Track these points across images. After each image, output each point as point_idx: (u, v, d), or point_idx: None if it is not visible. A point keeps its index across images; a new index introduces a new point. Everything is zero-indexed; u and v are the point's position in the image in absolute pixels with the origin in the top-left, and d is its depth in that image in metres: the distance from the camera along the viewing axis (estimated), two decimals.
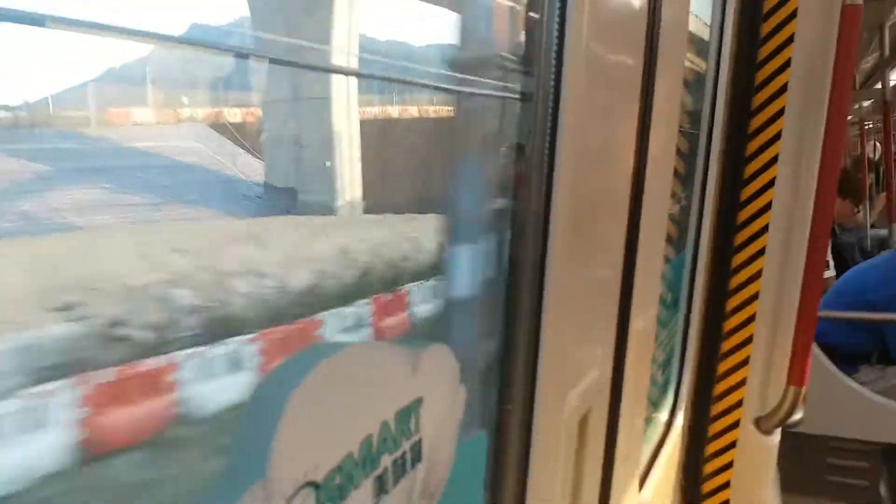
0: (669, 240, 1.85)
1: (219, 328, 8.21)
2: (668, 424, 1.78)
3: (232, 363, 7.18)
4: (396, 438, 0.54)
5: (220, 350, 7.36)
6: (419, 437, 0.57)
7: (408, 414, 0.55)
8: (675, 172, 1.78)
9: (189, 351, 7.22)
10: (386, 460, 0.53)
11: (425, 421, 0.58)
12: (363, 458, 0.50)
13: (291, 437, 0.43)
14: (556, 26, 0.76)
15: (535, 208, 0.79)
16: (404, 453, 0.55)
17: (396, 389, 0.55)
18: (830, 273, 4.00)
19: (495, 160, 0.88)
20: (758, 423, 1.97)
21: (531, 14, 0.79)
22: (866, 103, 7.51)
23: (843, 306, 3.40)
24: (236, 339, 7.60)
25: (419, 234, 11.64)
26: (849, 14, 1.73)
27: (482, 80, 0.84)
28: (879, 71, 6.03)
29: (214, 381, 6.79)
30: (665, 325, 1.86)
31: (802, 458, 3.10)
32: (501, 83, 0.85)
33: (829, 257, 4.08)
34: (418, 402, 0.57)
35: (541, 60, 0.77)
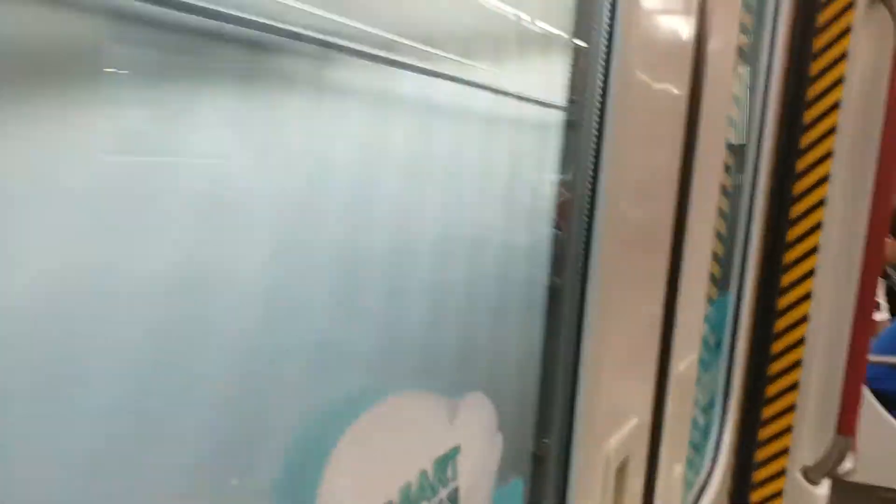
0: (714, 280, 1.83)
1: None
2: (711, 471, 1.74)
3: None
4: (434, 486, 0.55)
5: None
6: (456, 485, 0.58)
7: (445, 462, 0.56)
8: (720, 211, 1.76)
9: None
10: None
11: (462, 469, 0.58)
12: None
13: (336, 482, 0.44)
14: (602, 55, 0.76)
15: (576, 243, 0.78)
16: (441, 501, 0.56)
17: (435, 438, 0.56)
18: (884, 316, 3.87)
19: (537, 190, 0.87)
20: (805, 472, 1.91)
21: (577, 42, 0.79)
22: None
23: None
24: None
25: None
26: None
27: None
28: None
29: None
30: (708, 368, 1.82)
31: None
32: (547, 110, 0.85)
33: (883, 299, 3.95)
34: (456, 450, 0.57)
35: (587, 88, 0.77)
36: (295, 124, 0.48)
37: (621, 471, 0.90)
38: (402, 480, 0.51)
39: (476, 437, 0.61)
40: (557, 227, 0.82)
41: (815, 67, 1.83)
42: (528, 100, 0.80)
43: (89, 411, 0.34)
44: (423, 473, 0.53)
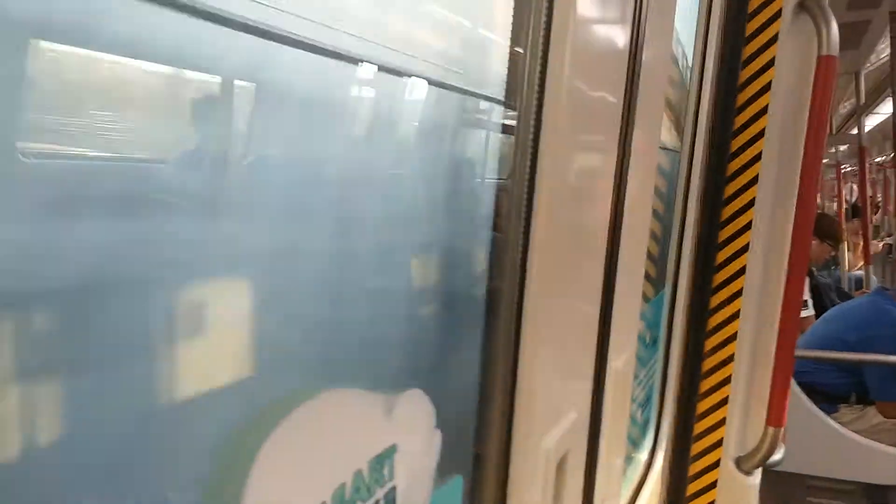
0: (649, 279, 1.87)
1: None
2: (649, 464, 1.78)
3: None
4: (370, 487, 0.54)
5: None
6: (393, 484, 0.57)
7: (381, 461, 0.55)
8: (655, 213, 1.81)
9: None
10: None
11: (400, 468, 0.58)
12: None
13: (264, 485, 0.43)
14: (539, 61, 0.76)
15: (514, 244, 0.78)
16: (377, 502, 0.55)
17: (370, 436, 0.55)
18: (809, 312, 4.05)
19: (473, 193, 0.88)
20: (738, 462, 1.97)
21: (514, 48, 0.80)
22: (843, 147, 7.67)
23: (823, 346, 3.44)
24: None
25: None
26: (824, 64, 1.78)
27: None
28: (856, 117, 6.18)
29: None
30: (645, 364, 1.87)
31: (783, 497, 3.10)
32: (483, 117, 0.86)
33: (809, 297, 4.13)
34: (392, 448, 0.57)
35: (523, 94, 0.77)
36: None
37: (561, 466, 0.91)
38: (336, 482, 0.50)
39: (414, 434, 0.60)
40: (495, 227, 0.82)
41: (745, 74, 1.90)
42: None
43: None
44: (359, 474, 0.52)
